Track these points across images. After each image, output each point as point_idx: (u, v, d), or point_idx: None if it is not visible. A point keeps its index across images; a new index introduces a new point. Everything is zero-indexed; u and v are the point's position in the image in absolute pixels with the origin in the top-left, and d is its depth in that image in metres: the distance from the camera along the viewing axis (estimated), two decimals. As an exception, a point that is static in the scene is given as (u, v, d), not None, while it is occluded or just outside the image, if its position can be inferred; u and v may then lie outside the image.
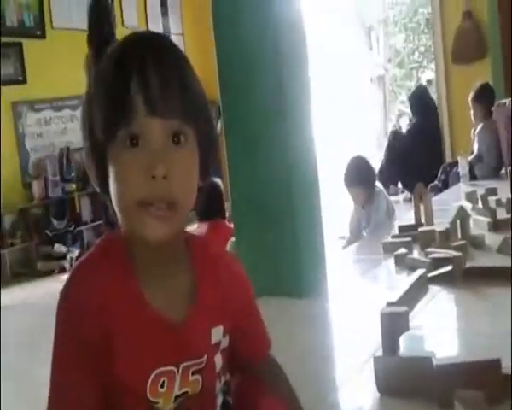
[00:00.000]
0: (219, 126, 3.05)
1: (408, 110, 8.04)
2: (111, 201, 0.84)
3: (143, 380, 0.83)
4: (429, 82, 8.09)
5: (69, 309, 0.84)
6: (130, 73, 0.80)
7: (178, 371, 0.85)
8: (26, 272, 5.90)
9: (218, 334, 0.90)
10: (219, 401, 0.93)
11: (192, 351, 0.87)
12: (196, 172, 0.85)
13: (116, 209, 0.83)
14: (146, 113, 0.79)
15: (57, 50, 6.30)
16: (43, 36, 6.40)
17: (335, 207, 4.58)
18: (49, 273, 5.79)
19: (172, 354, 0.85)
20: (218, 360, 0.91)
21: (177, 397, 0.86)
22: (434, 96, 7.49)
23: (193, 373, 0.87)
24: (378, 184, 4.01)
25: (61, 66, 6.20)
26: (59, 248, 6.03)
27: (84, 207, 6.62)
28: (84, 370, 0.82)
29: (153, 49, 0.82)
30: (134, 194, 0.79)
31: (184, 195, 0.82)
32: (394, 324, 1.36)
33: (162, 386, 0.85)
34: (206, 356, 0.88)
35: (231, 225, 2.68)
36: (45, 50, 6.29)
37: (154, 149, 0.79)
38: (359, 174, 3.67)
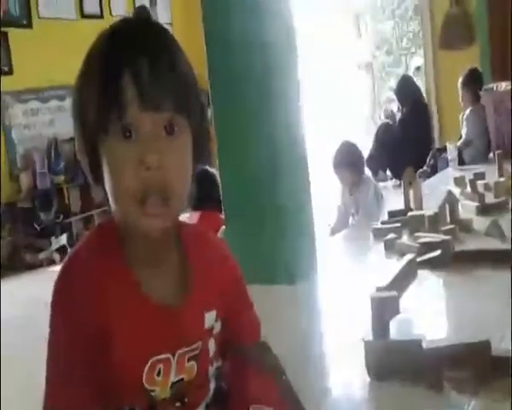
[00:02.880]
0: (209, 114, 3.06)
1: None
2: (106, 193, 0.83)
3: (140, 369, 0.83)
4: (418, 68, 8.08)
5: (64, 301, 0.83)
6: (121, 65, 0.78)
7: (174, 358, 0.86)
8: (14, 265, 5.86)
9: (211, 319, 0.91)
10: (212, 385, 0.93)
11: (187, 337, 0.87)
12: (190, 161, 0.84)
13: (111, 202, 0.82)
14: (139, 106, 0.78)
15: (44, 40, 6.23)
16: (29, 25, 6.32)
17: (325, 194, 4.59)
18: (37, 266, 5.76)
19: (168, 341, 0.85)
20: (212, 345, 0.91)
21: (173, 384, 0.86)
22: (423, 82, 7.50)
23: (188, 360, 0.87)
24: (366, 170, 4.04)
25: (48, 56, 6.14)
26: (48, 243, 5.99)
27: (74, 199, 6.57)
28: (81, 362, 0.82)
29: (143, 38, 0.80)
30: (128, 186, 0.79)
31: (179, 185, 0.82)
32: (384, 308, 1.36)
33: (158, 374, 0.85)
34: (200, 342, 0.88)
35: (223, 216, 2.68)
36: (32, 40, 6.22)
37: (148, 141, 0.79)
38: (347, 157, 3.74)
